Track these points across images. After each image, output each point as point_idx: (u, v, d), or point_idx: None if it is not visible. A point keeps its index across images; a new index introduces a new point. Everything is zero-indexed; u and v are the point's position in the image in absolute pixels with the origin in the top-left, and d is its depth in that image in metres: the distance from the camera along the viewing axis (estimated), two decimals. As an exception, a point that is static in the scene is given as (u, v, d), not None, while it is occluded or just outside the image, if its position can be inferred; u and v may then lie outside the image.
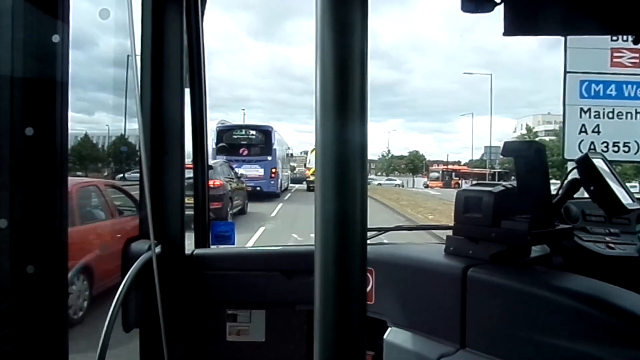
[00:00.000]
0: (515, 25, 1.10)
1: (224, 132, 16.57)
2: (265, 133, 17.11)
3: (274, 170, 16.42)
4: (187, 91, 1.44)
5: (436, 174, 48.31)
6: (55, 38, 0.75)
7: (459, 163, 53.95)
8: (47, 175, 0.76)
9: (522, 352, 0.90)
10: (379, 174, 56.47)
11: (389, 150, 59.71)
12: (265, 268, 1.42)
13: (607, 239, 1.40)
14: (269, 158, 16.32)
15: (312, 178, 23.46)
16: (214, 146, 13.74)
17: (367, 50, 0.46)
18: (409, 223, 8.86)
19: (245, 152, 16.40)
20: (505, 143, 1.09)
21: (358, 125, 0.45)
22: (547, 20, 1.13)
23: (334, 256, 0.47)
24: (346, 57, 0.46)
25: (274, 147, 16.92)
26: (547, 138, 40.05)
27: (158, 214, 1.28)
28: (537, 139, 36.91)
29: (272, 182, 16.34)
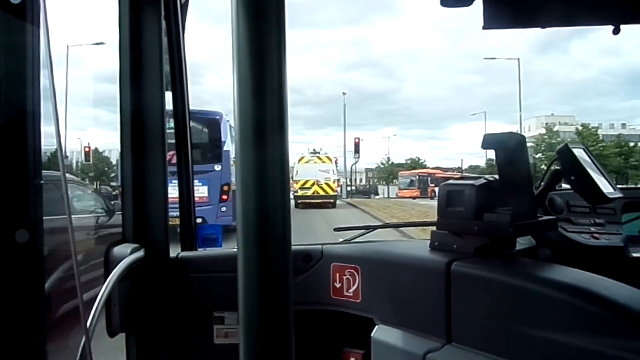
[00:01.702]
0: (494, 19, 1.10)
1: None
2: (210, 125, 10.14)
3: (226, 187, 9.94)
4: (169, 95, 1.45)
5: (408, 180, 39.58)
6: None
7: (459, 169, 47.52)
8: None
9: (508, 345, 0.90)
10: (381, 182, 54.42)
11: (388, 158, 57.22)
12: None
13: (592, 229, 1.40)
14: (217, 167, 9.91)
15: (300, 193, 21.36)
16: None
17: (285, 71, 0.49)
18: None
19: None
20: (485, 135, 1.08)
21: (277, 137, 0.48)
22: (525, 13, 1.13)
23: (255, 259, 0.48)
24: (262, 74, 0.48)
25: (226, 148, 10.08)
26: (568, 138, 39.24)
27: (141, 217, 1.28)
28: (558, 138, 37.17)
29: (222, 208, 9.88)
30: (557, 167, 1.19)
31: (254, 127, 0.48)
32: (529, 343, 0.87)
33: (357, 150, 28.69)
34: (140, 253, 1.23)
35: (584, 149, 1.18)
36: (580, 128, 41.80)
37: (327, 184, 22.19)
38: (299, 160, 22.74)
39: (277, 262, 0.48)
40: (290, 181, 24.50)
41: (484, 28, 1.10)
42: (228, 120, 10.18)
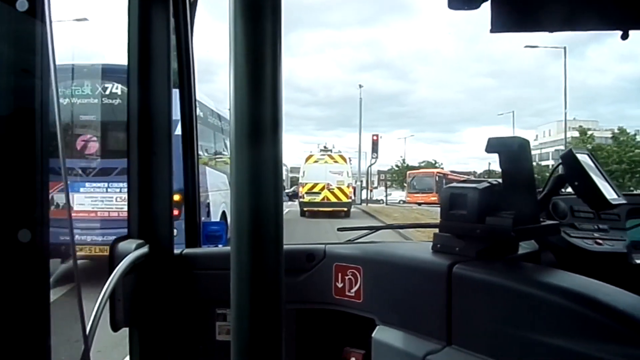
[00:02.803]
0: (502, 22, 1.10)
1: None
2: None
3: (176, 197, 2.62)
4: (177, 92, 1.45)
5: (422, 181, 32.07)
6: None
7: (468, 173, 40.33)
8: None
9: (507, 349, 0.90)
10: (394, 185, 51.09)
11: (403, 160, 53.36)
12: None
13: (596, 235, 1.39)
14: None
15: (307, 199, 17.82)
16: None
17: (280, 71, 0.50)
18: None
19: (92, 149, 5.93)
20: (489, 139, 1.06)
21: (271, 137, 0.49)
22: (533, 17, 1.13)
23: (248, 257, 0.50)
24: (259, 76, 0.49)
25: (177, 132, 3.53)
26: (604, 142, 36.05)
27: (146, 214, 1.30)
28: (594, 143, 33.98)
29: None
30: (561, 172, 1.18)
31: (249, 127, 0.49)
32: (529, 348, 0.87)
33: (375, 149, 24.69)
34: (144, 249, 1.25)
35: (588, 155, 1.18)
36: (616, 132, 37.79)
37: (339, 188, 18.05)
38: (307, 160, 18.85)
39: (269, 261, 0.50)
40: (289, 183, 20.17)
41: (491, 31, 1.09)
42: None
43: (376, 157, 25.31)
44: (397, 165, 53.09)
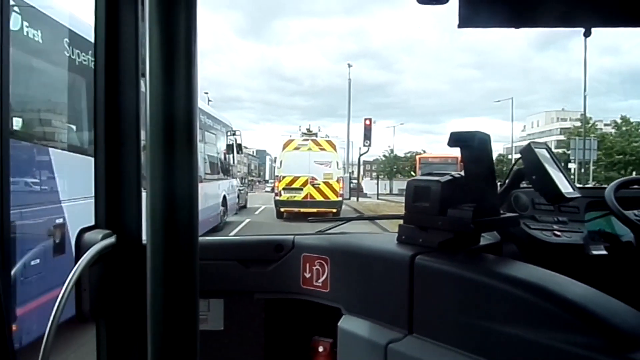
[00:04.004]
0: (469, 17, 1.10)
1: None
2: None
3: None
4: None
5: (443, 168, 31.13)
6: None
7: None
8: None
9: (466, 338, 0.92)
10: (381, 176, 47.88)
11: (391, 150, 50.32)
12: (222, 257, 1.41)
13: (554, 227, 1.42)
14: None
15: (285, 197, 13.87)
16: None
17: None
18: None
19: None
20: (452, 133, 1.08)
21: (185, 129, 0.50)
22: (499, 13, 1.14)
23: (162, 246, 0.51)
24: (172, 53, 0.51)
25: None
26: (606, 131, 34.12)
27: (114, 204, 1.26)
28: (597, 132, 31.75)
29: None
30: (520, 166, 1.21)
31: (163, 118, 0.50)
32: (486, 336, 0.89)
33: (367, 135, 20.67)
34: (111, 239, 1.21)
35: (546, 149, 1.19)
36: (619, 122, 35.34)
37: (327, 183, 14.00)
38: (285, 146, 14.52)
39: (183, 251, 0.50)
40: (270, 175, 15.99)
41: (459, 26, 1.10)
42: None
43: (369, 145, 21.19)
44: (384, 156, 49.20)
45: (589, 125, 35.85)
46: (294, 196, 13.92)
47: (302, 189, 13.93)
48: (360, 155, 26.71)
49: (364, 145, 20.91)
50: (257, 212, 17.28)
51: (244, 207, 19.41)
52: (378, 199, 27.72)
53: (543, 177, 1.11)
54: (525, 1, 1.10)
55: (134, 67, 1.25)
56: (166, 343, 0.51)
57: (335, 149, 14.45)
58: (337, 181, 14.06)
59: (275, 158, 16.29)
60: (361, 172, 31.74)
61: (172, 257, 0.49)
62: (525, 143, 1.23)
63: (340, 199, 14.13)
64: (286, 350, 1.40)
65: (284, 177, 14.00)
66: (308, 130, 15.37)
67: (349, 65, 26.88)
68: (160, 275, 0.51)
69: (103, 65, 1.23)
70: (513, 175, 1.23)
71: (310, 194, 13.85)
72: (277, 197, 14.15)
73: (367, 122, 20.63)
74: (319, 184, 13.90)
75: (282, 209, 13.94)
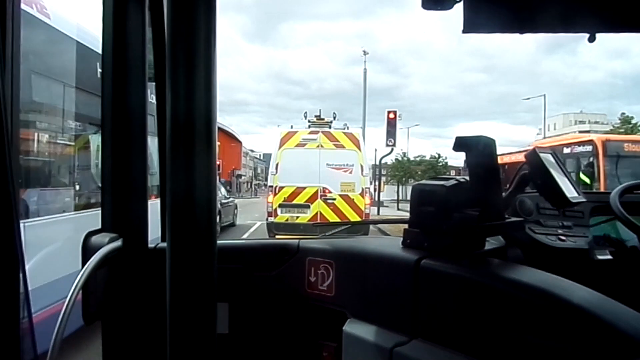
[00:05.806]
0: (474, 23, 1.10)
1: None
2: None
3: None
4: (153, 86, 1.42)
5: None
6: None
7: None
8: None
9: (471, 342, 0.93)
10: (391, 181, 43.25)
11: (404, 153, 45.87)
12: (228, 261, 1.41)
13: (559, 231, 1.42)
14: None
15: (283, 217, 9.20)
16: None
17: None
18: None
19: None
20: (457, 138, 1.08)
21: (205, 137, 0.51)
22: (504, 18, 1.13)
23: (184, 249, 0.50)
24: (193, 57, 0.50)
25: None
26: None
27: (120, 208, 1.28)
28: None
29: None
30: (525, 171, 1.20)
31: (184, 124, 0.50)
32: (490, 340, 0.89)
33: (391, 132, 15.86)
34: (118, 243, 1.23)
35: (552, 154, 1.20)
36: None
37: (346, 197, 9.24)
38: (284, 141, 9.50)
39: (203, 256, 0.50)
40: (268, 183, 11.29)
41: (463, 32, 1.09)
42: None
43: (393, 144, 16.40)
44: (397, 159, 44.50)
45: (630, 125, 31.54)
46: (297, 217, 9.21)
47: (308, 207, 9.16)
48: (382, 157, 21.84)
49: (387, 145, 16.02)
50: (247, 234, 12.52)
51: (232, 225, 14.58)
52: (398, 209, 22.92)
53: (548, 182, 1.12)
54: (530, 7, 1.11)
55: (140, 72, 1.27)
56: (185, 343, 0.49)
57: (358, 146, 9.60)
58: (362, 195, 9.32)
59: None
60: (382, 180, 26.62)
61: (192, 259, 0.49)
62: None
63: (364, 219, 9.40)
64: (291, 354, 1.41)
65: (281, 188, 9.25)
66: (318, 117, 10.57)
67: (365, 53, 22.19)
68: (181, 276, 0.49)
69: (110, 71, 1.25)
70: (518, 180, 1.23)
71: (321, 214, 9.14)
72: (271, 219, 9.37)
73: (392, 115, 15.89)
74: (334, 199, 9.14)
75: (277, 235, 9.21)
